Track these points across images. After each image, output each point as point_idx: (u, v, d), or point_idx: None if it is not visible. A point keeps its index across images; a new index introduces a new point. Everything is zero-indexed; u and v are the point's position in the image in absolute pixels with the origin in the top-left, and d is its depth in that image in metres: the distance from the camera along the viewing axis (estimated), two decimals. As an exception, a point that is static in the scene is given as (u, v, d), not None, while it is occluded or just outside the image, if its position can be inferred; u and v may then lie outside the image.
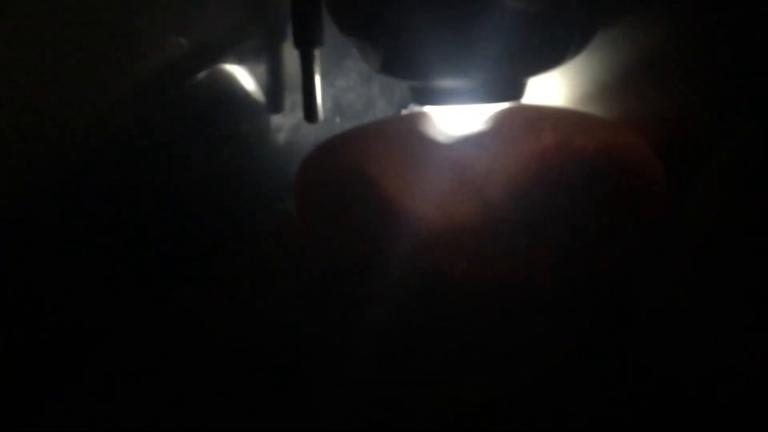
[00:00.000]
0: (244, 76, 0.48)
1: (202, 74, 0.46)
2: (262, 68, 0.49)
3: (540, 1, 0.37)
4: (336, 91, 0.52)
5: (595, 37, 0.41)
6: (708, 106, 0.43)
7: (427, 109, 0.44)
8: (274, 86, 0.49)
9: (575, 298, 0.40)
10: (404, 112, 0.52)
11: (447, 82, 0.41)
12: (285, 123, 0.51)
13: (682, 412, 0.36)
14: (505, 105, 0.42)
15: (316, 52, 0.47)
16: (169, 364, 0.43)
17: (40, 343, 0.41)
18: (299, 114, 0.50)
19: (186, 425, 0.40)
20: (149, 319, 0.45)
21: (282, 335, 0.44)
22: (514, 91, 0.41)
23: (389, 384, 0.41)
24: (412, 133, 0.42)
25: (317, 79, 0.48)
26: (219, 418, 0.40)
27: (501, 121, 0.41)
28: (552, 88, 0.46)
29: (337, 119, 0.52)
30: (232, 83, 0.48)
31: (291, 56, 0.48)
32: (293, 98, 0.51)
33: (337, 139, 0.45)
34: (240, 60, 0.48)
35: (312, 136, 0.51)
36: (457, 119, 0.42)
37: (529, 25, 0.38)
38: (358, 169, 0.42)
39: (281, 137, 0.51)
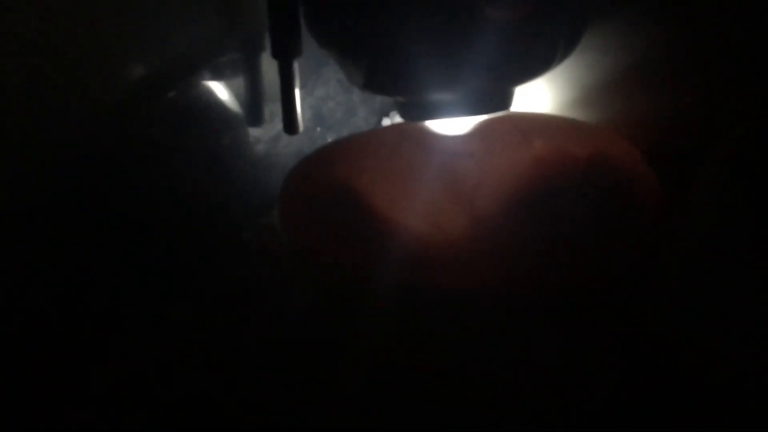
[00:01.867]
0: (223, 89, 0.47)
1: (180, 88, 0.45)
2: (240, 80, 0.48)
3: (522, 8, 0.36)
4: (315, 100, 0.51)
5: (580, 41, 0.40)
6: (697, 109, 0.43)
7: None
8: (253, 98, 0.48)
9: (571, 309, 0.40)
10: (386, 120, 0.51)
11: (433, 96, 0.39)
12: (264, 134, 0.50)
13: (681, 416, 0.36)
14: (493, 115, 0.41)
15: (295, 63, 0.46)
16: (155, 380, 0.42)
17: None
18: (278, 125, 0.48)
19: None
20: (134, 336, 0.44)
21: (271, 349, 0.43)
22: (502, 100, 0.40)
23: (382, 397, 0.40)
24: (399, 144, 0.42)
25: (296, 90, 0.47)
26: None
27: (490, 130, 0.41)
28: (539, 95, 0.45)
29: (318, 129, 0.51)
30: (210, 96, 0.47)
31: (269, 66, 0.47)
32: (271, 108, 0.50)
33: (322, 150, 0.44)
34: (218, 72, 0.47)
35: (292, 146, 0.50)
36: (445, 130, 0.41)
37: (514, 34, 0.37)
38: (345, 182, 0.41)
39: (260, 149, 0.50)
